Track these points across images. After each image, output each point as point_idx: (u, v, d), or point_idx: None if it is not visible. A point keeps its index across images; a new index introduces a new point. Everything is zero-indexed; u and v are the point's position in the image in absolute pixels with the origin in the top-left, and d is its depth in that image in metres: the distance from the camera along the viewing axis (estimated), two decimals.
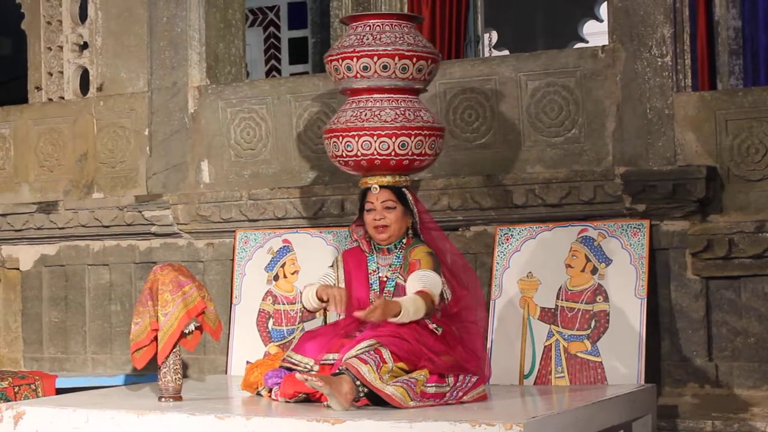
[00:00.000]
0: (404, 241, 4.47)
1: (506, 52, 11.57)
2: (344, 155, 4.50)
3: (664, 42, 5.06)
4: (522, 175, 5.19)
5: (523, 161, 5.27)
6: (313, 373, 4.20)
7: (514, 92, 5.30)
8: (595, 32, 11.93)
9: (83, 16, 6.39)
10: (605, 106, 5.15)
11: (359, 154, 4.46)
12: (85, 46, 6.38)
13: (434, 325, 4.28)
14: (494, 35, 12.17)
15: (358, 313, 4.17)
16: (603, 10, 11.78)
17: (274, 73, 9.79)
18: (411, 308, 4.19)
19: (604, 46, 5.21)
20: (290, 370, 4.32)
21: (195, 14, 5.97)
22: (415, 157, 4.47)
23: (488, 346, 4.84)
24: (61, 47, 6.43)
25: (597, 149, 5.16)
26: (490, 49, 11.58)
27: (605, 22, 6.18)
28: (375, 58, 4.42)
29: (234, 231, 5.61)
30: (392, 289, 4.42)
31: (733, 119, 4.97)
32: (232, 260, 5.56)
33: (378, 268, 4.48)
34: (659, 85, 5.05)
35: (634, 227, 4.89)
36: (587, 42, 12.04)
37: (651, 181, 4.95)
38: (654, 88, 5.06)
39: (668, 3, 5.06)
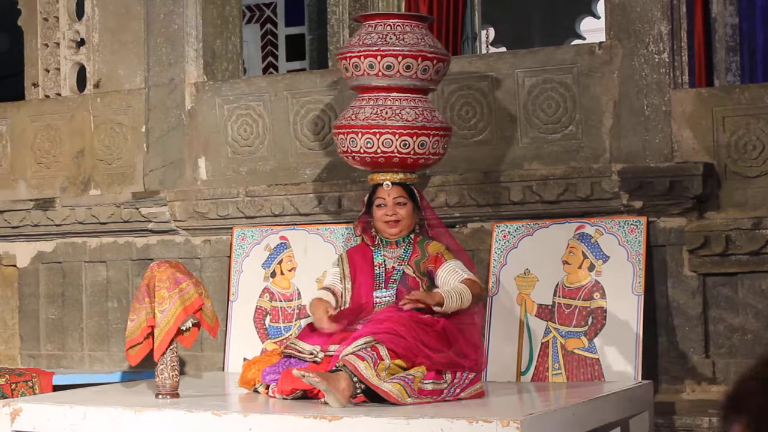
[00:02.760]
0: (411, 236, 4.54)
1: (503, 49, 11.55)
2: (362, 151, 4.53)
3: (661, 39, 5.04)
4: (519, 172, 5.18)
5: (520, 158, 5.26)
6: (320, 357, 4.23)
7: (511, 89, 5.29)
8: (593, 29, 11.91)
9: (80, 12, 6.37)
10: (602, 102, 5.14)
11: (379, 151, 4.50)
12: (82, 42, 6.36)
13: (435, 310, 4.31)
14: (491, 32, 12.16)
15: (402, 303, 4.25)
16: (600, 6, 11.76)
17: (271, 69, 9.77)
18: (455, 296, 4.27)
19: (601, 42, 5.20)
20: (293, 357, 4.33)
21: (192, 11, 5.96)
22: (430, 156, 4.57)
23: (485, 342, 4.84)
24: (57, 44, 6.41)
25: (594, 146, 5.15)
26: (487, 46, 11.58)
27: (602, 19, 6.16)
28: (399, 58, 4.48)
29: (231, 228, 5.61)
30: (398, 277, 4.47)
31: (730, 116, 4.95)
32: (229, 257, 5.55)
33: (384, 260, 4.52)
34: (656, 82, 5.04)
35: (631, 224, 4.88)
36: (584, 39, 12.01)
37: (648, 178, 4.94)
38: (651, 85, 5.05)
39: (665, 0, 5.05)
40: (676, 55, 5.09)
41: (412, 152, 4.49)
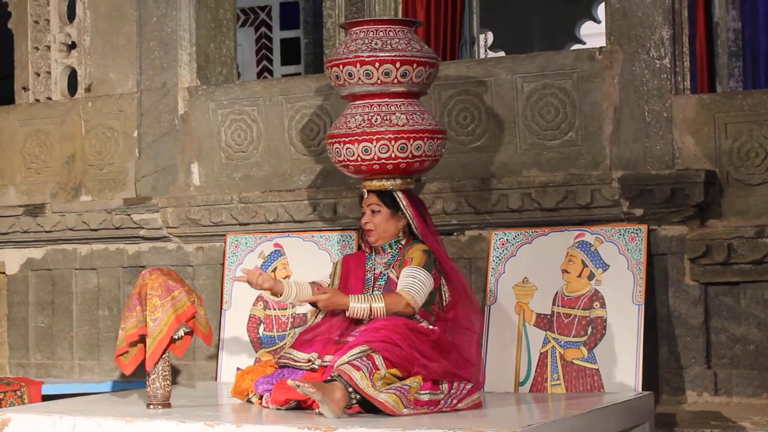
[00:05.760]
0: (402, 241, 4.51)
1: (502, 54, 11.51)
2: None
3: (662, 44, 5.01)
4: (517, 179, 5.14)
5: (519, 164, 5.22)
6: (317, 364, 4.21)
7: (509, 94, 5.24)
8: (593, 33, 11.89)
9: (71, 15, 6.33)
10: (602, 108, 5.09)
11: (336, 160, 4.58)
12: (73, 45, 6.31)
13: (427, 323, 4.31)
14: (490, 36, 12.13)
15: (312, 298, 4.37)
16: (601, 11, 11.74)
17: (265, 74, 9.74)
18: (364, 306, 4.28)
19: (601, 47, 5.15)
20: (287, 367, 4.29)
21: (185, 14, 5.91)
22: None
23: (483, 352, 4.79)
24: (48, 47, 6.36)
25: (594, 152, 5.10)
26: (485, 51, 11.53)
27: (603, 24, 6.12)
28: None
29: (224, 235, 5.56)
30: (383, 282, 4.46)
31: (732, 122, 4.92)
32: (223, 264, 5.50)
33: (374, 266, 4.53)
34: (657, 88, 5.00)
35: (632, 232, 4.84)
36: (584, 43, 12.00)
37: (649, 185, 4.90)
38: (652, 91, 5.01)
39: (667, 4, 5.01)
40: (678, 61, 5.06)
41: (358, 159, 4.47)
